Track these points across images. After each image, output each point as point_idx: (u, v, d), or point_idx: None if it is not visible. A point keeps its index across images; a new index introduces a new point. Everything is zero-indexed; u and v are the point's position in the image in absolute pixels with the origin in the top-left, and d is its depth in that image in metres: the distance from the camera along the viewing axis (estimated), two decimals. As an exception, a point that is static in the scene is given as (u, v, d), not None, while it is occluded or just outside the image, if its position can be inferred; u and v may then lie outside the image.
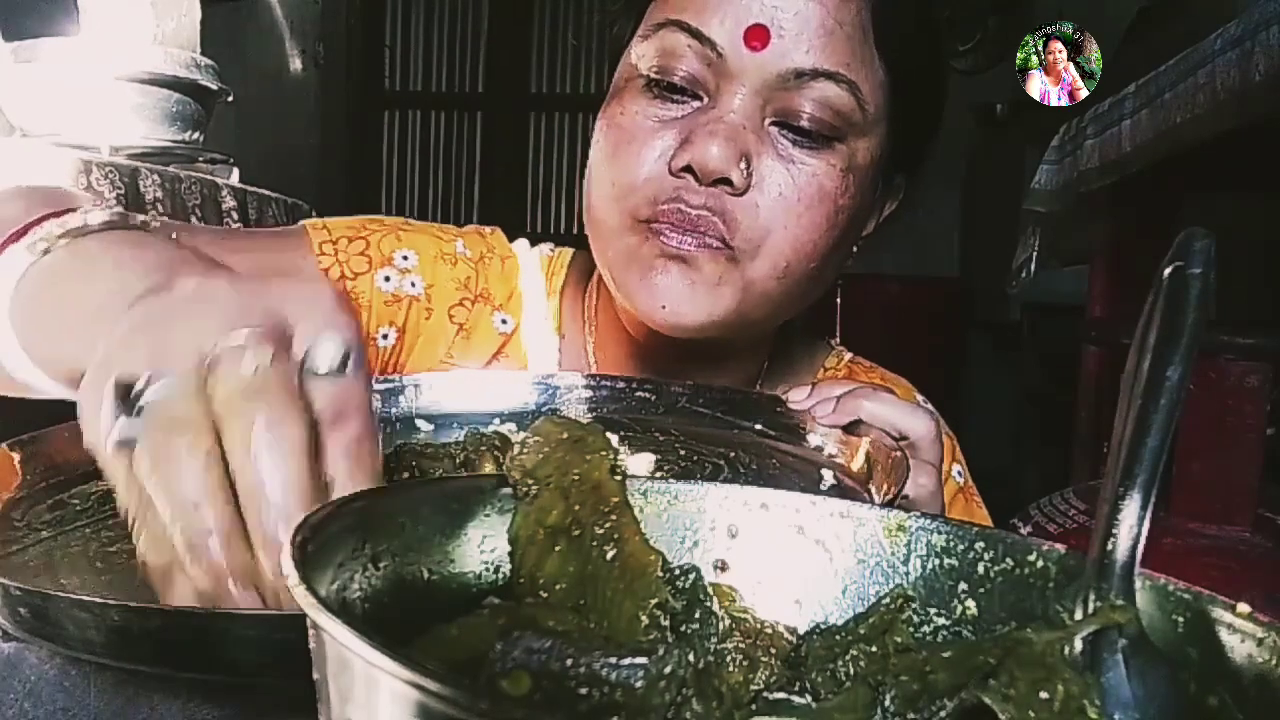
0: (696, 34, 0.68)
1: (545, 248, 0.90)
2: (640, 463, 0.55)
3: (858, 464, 0.58)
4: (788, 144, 0.69)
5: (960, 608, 0.32)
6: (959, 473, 0.83)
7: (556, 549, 0.32)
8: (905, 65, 0.71)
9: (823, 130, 0.68)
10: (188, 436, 0.31)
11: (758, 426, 0.66)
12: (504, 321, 0.83)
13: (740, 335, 0.76)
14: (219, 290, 0.36)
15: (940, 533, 0.33)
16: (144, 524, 0.33)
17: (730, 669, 0.31)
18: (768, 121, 0.69)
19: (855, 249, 0.79)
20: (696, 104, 0.70)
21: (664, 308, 0.69)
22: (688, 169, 0.67)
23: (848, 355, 0.90)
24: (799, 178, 0.68)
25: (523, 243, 0.91)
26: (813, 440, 0.63)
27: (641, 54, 0.71)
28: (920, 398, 0.84)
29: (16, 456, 0.53)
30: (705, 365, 0.79)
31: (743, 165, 0.67)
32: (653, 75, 0.70)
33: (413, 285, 0.79)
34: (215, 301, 0.35)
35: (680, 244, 0.68)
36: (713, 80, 0.69)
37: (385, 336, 0.79)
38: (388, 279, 0.78)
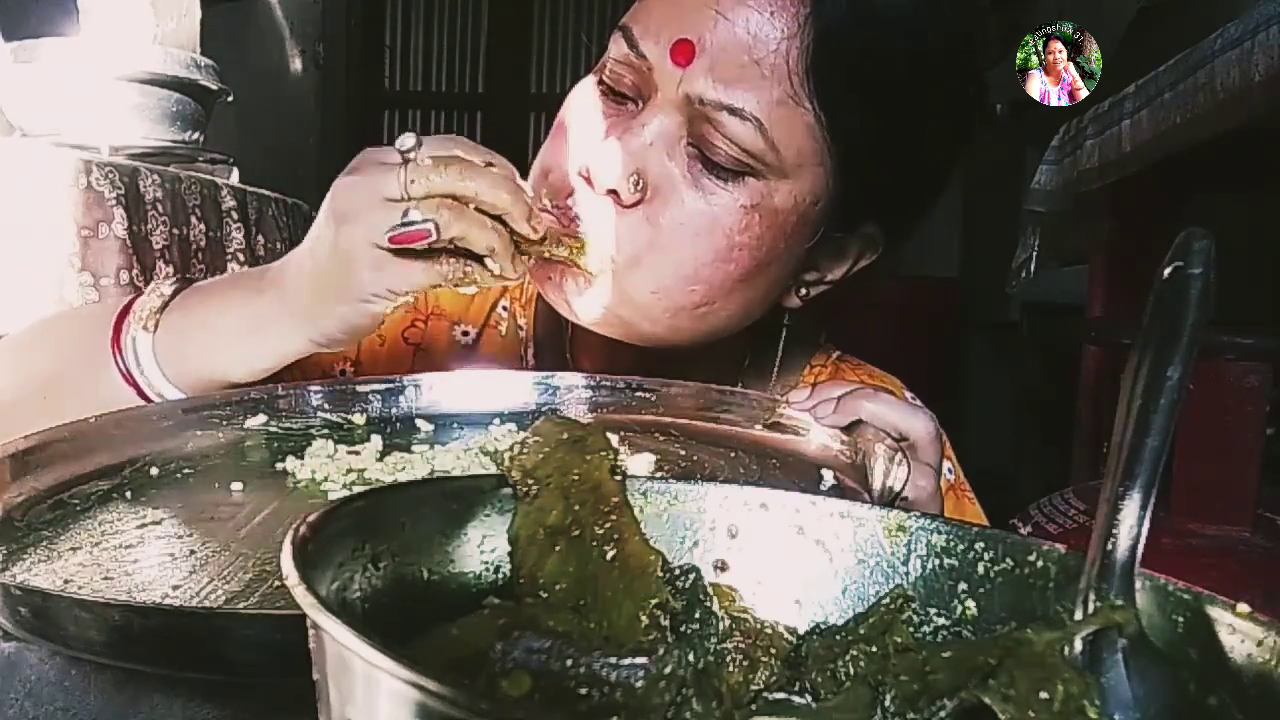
0: (633, 44, 0.68)
1: None
2: (640, 463, 0.55)
3: (858, 465, 0.58)
4: (699, 168, 0.67)
5: (960, 608, 0.32)
6: (949, 469, 0.82)
7: (556, 549, 0.32)
8: (848, 115, 0.67)
9: (728, 164, 0.66)
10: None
11: (758, 427, 0.66)
12: (464, 333, 0.84)
13: (678, 342, 0.73)
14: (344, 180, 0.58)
15: (940, 533, 0.33)
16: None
17: (730, 669, 0.31)
18: (684, 141, 0.67)
19: (807, 292, 0.76)
20: (631, 108, 0.70)
21: (553, 296, 0.71)
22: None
23: (835, 354, 0.88)
24: (693, 203, 0.67)
25: None
26: (813, 440, 0.63)
27: (608, 52, 0.72)
28: (910, 395, 0.83)
29: (16, 457, 0.53)
30: (678, 366, 0.77)
31: (633, 179, 0.66)
32: (604, 78, 0.71)
33: None
34: (357, 178, 0.57)
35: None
36: (645, 91, 0.69)
37: (343, 372, 0.81)
38: None
